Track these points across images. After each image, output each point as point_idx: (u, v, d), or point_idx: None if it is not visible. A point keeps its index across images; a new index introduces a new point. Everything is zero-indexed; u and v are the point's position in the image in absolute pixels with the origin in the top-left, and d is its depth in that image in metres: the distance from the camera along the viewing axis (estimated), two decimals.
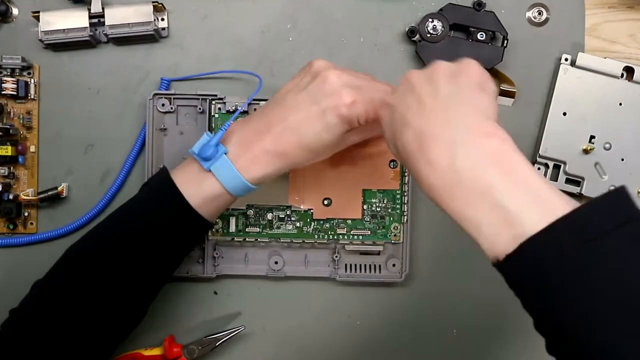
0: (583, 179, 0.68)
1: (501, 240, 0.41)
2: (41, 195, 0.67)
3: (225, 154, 0.54)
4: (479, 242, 0.42)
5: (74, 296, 0.55)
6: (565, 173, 0.68)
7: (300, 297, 0.69)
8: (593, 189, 0.68)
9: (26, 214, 0.68)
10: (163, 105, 0.66)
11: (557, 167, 0.68)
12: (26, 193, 0.67)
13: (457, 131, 0.44)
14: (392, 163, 0.66)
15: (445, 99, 0.46)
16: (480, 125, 0.44)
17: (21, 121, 0.67)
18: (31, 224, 0.68)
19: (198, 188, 0.55)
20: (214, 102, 0.67)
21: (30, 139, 0.68)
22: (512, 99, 0.69)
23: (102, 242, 0.57)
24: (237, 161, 0.54)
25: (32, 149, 0.68)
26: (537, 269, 0.39)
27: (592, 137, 0.68)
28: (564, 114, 0.68)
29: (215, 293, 0.69)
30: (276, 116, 0.55)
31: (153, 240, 0.56)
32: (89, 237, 0.58)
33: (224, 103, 0.66)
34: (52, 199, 0.67)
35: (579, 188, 0.68)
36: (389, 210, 0.67)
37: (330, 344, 0.69)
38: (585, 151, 0.68)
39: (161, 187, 0.56)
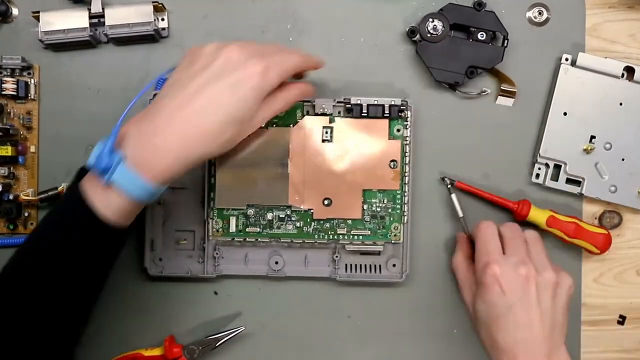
0: (583, 179, 0.68)
1: None
2: (41, 196, 0.66)
3: (124, 160, 0.50)
4: None
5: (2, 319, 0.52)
6: (566, 173, 0.68)
7: (300, 297, 0.69)
8: (593, 189, 0.68)
9: (26, 214, 0.68)
10: None
11: (557, 167, 0.68)
12: (26, 193, 0.67)
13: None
14: (392, 163, 0.66)
15: (546, 312, 0.57)
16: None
17: (21, 121, 0.67)
18: (31, 224, 0.68)
19: (105, 201, 0.51)
20: None
21: (31, 139, 0.68)
22: (513, 99, 0.69)
23: (22, 262, 0.54)
24: (138, 165, 0.50)
25: (32, 149, 0.68)
26: None
27: (593, 137, 0.67)
28: (565, 114, 0.67)
29: (216, 293, 0.69)
30: (177, 106, 0.51)
31: (70, 258, 0.52)
32: (15, 256, 0.54)
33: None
34: (52, 199, 0.67)
35: (580, 188, 0.68)
36: (389, 210, 0.67)
37: (330, 344, 0.69)
38: (586, 151, 0.67)
39: (70, 202, 0.53)
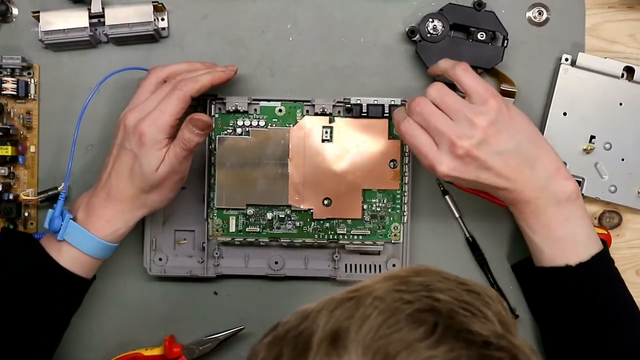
0: (583, 179, 0.68)
1: (577, 252, 0.59)
2: (41, 196, 0.67)
3: (74, 220, 0.58)
4: (547, 251, 0.59)
5: None
6: None
7: (300, 297, 0.69)
8: (593, 189, 0.68)
9: (26, 214, 0.68)
10: None
11: None
12: (26, 193, 0.67)
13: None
14: (392, 163, 0.66)
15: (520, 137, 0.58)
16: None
17: (21, 121, 0.67)
18: (31, 224, 0.68)
19: (62, 256, 0.58)
20: (213, 102, 0.67)
21: (31, 139, 0.68)
22: (512, 99, 0.68)
23: None
24: (86, 223, 0.58)
25: (32, 149, 0.68)
26: (601, 272, 0.60)
27: (593, 137, 0.68)
28: (564, 114, 0.67)
29: (216, 293, 0.69)
30: (105, 176, 0.59)
31: (33, 308, 0.59)
32: None
33: (224, 103, 0.66)
34: (52, 199, 0.67)
35: (580, 188, 0.67)
36: (389, 210, 0.67)
37: None
38: (586, 151, 0.67)
39: (32, 254, 0.60)
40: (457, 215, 0.68)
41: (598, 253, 0.59)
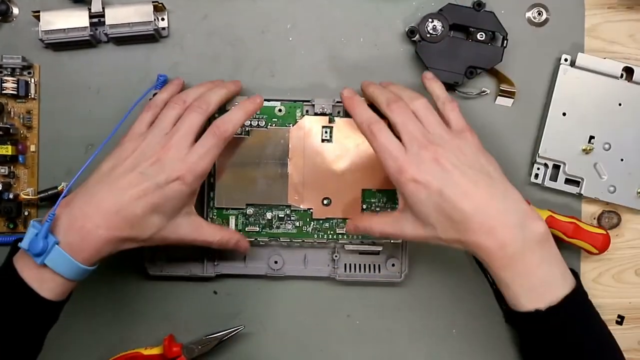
0: (582, 179, 0.68)
1: (547, 297, 0.54)
2: (41, 195, 0.66)
3: (57, 243, 0.52)
4: (523, 298, 0.54)
5: None
6: (565, 173, 0.68)
7: (299, 297, 0.69)
8: (592, 189, 0.68)
9: (26, 213, 0.68)
10: None
11: (556, 167, 0.68)
12: (26, 192, 0.66)
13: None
14: None
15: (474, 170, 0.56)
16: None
17: (21, 120, 0.67)
18: None
19: (39, 280, 0.53)
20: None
21: (31, 138, 0.68)
22: (512, 99, 0.69)
23: None
24: (71, 249, 0.53)
25: (32, 148, 0.68)
26: (570, 316, 0.55)
27: (592, 137, 0.67)
28: (564, 114, 0.67)
29: (215, 292, 0.69)
30: (105, 196, 0.54)
31: (6, 333, 0.54)
32: None
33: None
34: (52, 199, 0.67)
35: (579, 188, 0.68)
36: (389, 210, 0.67)
37: (329, 343, 0.69)
38: (585, 151, 0.67)
39: (5, 277, 0.54)
40: None
41: (569, 294, 0.54)
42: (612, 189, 0.68)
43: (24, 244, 0.52)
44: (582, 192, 0.68)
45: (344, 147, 0.66)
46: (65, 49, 0.68)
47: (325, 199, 0.66)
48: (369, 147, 0.64)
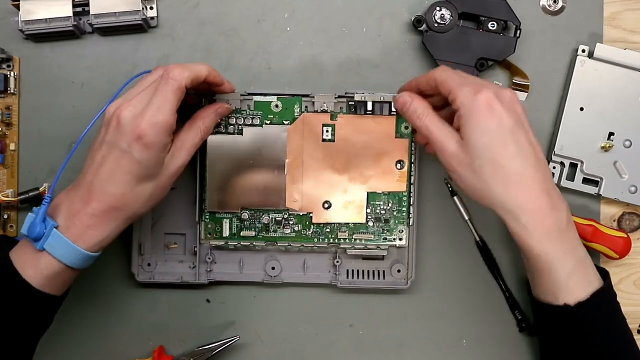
0: (602, 178, 0.67)
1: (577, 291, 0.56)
2: (22, 197, 0.65)
3: (57, 227, 0.53)
4: (557, 286, 0.56)
5: None
6: (583, 173, 0.67)
7: (298, 305, 0.68)
8: (612, 189, 0.67)
9: (6, 216, 0.67)
10: None
11: (573, 166, 0.67)
12: (6, 194, 0.65)
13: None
14: (399, 164, 0.64)
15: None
16: None
17: (0, 117, 0.66)
18: (11, 227, 0.67)
19: (37, 269, 0.53)
20: (206, 97, 0.64)
21: (10, 136, 0.66)
22: (526, 94, 0.67)
23: None
24: (69, 233, 0.53)
25: (12, 147, 0.66)
26: (600, 312, 0.56)
27: (612, 134, 0.66)
28: (581, 109, 0.66)
29: (208, 301, 0.68)
30: (90, 177, 0.54)
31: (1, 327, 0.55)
32: None
33: (214, 100, 0.64)
34: (33, 201, 0.66)
35: (597, 189, 0.67)
36: (394, 213, 0.65)
37: (331, 355, 0.68)
38: (604, 149, 0.66)
39: (1, 272, 0.54)
40: (466, 218, 0.67)
41: (597, 291, 0.56)
42: (633, 189, 0.67)
43: (23, 229, 0.53)
44: (601, 192, 0.67)
45: (347, 147, 0.64)
46: (47, 41, 0.67)
47: (326, 202, 0.64)
48: (375, 147, 0.64)
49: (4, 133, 0.66)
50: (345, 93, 0.64)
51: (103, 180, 0.54)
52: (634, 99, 0.66)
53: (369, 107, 0.63)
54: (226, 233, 0.64)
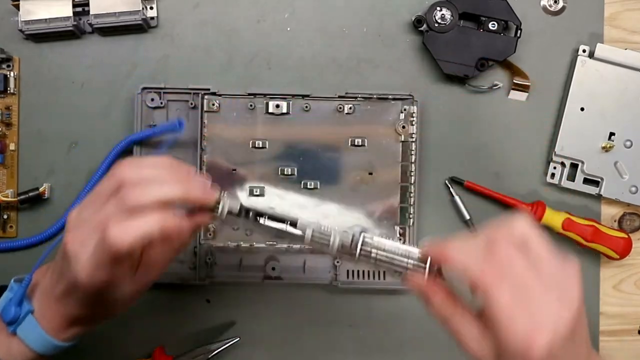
0: (602, 179, 0.66)
1: None
2: (21, 197, 0.65)
3: (32, 312, 0.48)
4: None
5: None
6: (583, 173, 0.66)
7: (298, 306, 0.68)
8: (613, 189, 0.67)
9: (5, 216, 0.66)
10: (152, 100, 0.65)
11: (574, 166, 0.67)
12: (5, 194, 0.65)
13: None
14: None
15: None
16: None
17: (0, 117, 0.66)
18: (10, 227, 0.66)
19: (8, 353, 0.49)
20: (206, 96, 0.65)
21: (10, 136, 0.66)
22: (526, 93, 0.67)
23: None
24: (43, 320, 0.49)
25: (12, 146, 0.66)
26: None
27: (612, 134, 0.66)
28: (582, 109, 0.66)
29: (208, 301, 0.67)
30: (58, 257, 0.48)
31: None
32: None
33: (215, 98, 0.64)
34: (33, 201, 0.65)
35: (598, 189, 0.67)
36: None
37: (330, 355, 0.68)
38: (605, 149, 0.66)
39: None
40: (467, 218, 0.67)
41: None
42: (634, 189, 0.67)
43: None
44: (601, 192, 0.67)
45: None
46: (47, 40, 0.66)
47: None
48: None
49: (3, 133, 0.65)
50: (346, 93, 0.64)
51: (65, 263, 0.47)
52: (634, 99, 0.66)
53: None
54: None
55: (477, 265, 0.42)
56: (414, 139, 0.65)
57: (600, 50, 0.66)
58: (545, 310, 0.40)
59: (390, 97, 0.64)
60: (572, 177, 0.67)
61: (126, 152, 0.64)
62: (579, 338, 0.42)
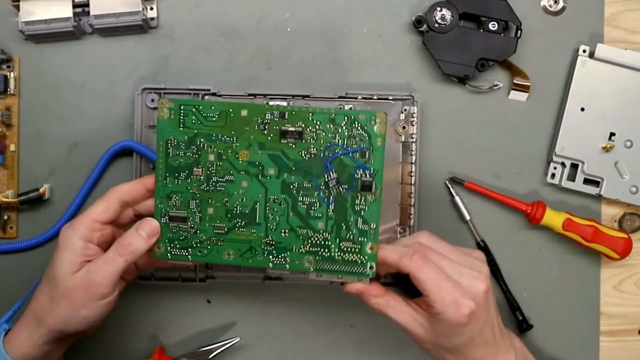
0: (602, 179, 0.66)
1: None
2: (22, 197, 0.65)
3: (6, 331, 0.54)
4: None
5: None
6: (584, 173, 0.66)
7: (299, 306, 0.67)
8: (613, 189, 0.66)
9: (5, 217, 0.66)
10: (152, 100, 0.65)
11: (574, 166, 0.66)
12: (5, 195, 0.65)
13: None
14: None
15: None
16: None
17: (0, 118, 0.65)
18: (11, 227, 0.66)
19: None
20: (206, 96, 0.65)
21: (10, 136, 0.66)
22: (526, 94, 0.67)
23: None
24: (8, 339, 0.53)
25: (12, 147, 0.66)
26: None
27: (612, 134, 0.66)
28: (582, 109, 0.66)
29: (208, 301, 0.67)
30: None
31: None
32: None
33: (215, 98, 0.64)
34: (33, 201, 0.65)
35: (598, 189, 0.66)
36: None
37: (331, 355, 0.68)
38: (605, 149, 0.66)
39: None
40: (467, 218, 0.67)
41: None
42: (634, 189, 0.67)
43: None
44: (602, 193, 0.66)
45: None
46: (47, 41, 0.66)
47: None
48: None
49: (3, 134, 0.65)
50: (346, 93, 0.64)
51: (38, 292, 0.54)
52: (634, 99, 0.66)
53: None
54: None
55: (406, 258, 0.52)
56: (414, 139, 0.64)
57: (601, 50, 0.65)
58: (465, 281, 0.51)
59: (390, 97, 0.64)
60: (572, 178, 0.66)
61: (123, 153, 0.65)
62: (493, 310, 0.53)
